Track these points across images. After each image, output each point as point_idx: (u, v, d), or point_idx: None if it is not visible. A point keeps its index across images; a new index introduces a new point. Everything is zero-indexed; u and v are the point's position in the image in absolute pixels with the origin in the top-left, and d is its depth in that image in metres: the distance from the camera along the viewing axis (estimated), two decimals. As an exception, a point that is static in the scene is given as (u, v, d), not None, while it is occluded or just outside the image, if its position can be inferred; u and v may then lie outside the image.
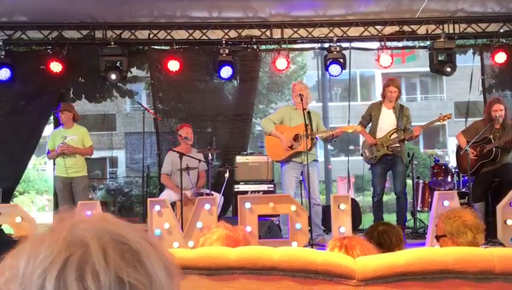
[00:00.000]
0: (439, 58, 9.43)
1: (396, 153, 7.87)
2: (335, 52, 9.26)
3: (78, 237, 0.85)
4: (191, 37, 9.41)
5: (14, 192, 10.56)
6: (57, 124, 8.79)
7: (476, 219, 3.30)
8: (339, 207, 6.17)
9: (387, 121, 7.96)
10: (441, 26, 9.35)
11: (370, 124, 8.15)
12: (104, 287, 0.81)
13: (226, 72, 9.20)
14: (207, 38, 9.41)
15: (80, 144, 8.18)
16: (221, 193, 7.84)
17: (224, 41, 9.24)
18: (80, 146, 8.17)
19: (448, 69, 9.37)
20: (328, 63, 9.33)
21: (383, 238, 3.32)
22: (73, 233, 0.86)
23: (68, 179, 8.08)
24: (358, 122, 8.21)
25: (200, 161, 7.98)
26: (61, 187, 8.15)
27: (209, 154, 8.16)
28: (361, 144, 8.44)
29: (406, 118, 7.99)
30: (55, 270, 0.81)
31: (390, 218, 8.21)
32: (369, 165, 8.16)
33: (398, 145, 7.86)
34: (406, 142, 8.11)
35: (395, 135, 7.86)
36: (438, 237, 3.39)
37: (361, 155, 8.27)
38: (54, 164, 8.45)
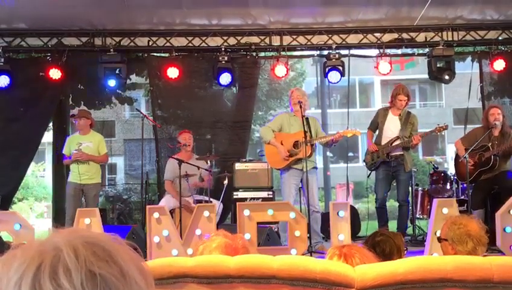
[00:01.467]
0: (438, 66, 9.44)
1: (399, 160, 7.85)
2: (334, 60, 9.27)
3: (51, 245, 0.88)
4: (190, 44, 9.43)
5: (13, 199, 10.54)
6: (60, 130, 8.78)
7: (481, 231, 3.28)
8: (338, 214, 6.17)
9: (392, 127, 7.95)
10: (439, 34, 9.36)
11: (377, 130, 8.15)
12: (76, 281, 0.83)
13: (225, 79, 9.21)
14: (206, 45, 9.43)
15: (96, 151, 8.20)
16: (220, 200, 7.84)
17: (223, 49, 9.25)
18: (95, 153, 8.19)
19: (447, 77, 9.37)
20: (327, 70, 9.34)
21: (376, 251, 3.30)
22: (45, 244, 0.89)
23: (80, 186, 8.07)
24: (367, 128, 8.25)
25: (199, 167, 7.97)
26: (73, 193, 8.12)
27: (208, 161, 8.15)
28: (365, 150, 8.45)
29: (411, 126, 7.96)
30: (30, 275, 0.84)
31: (390, 225, 8.22)
32: (369, 171, 8.17)
33: (401, 153, 7.84)
34: (411, 149, 8.06)
35: (396, 143, 7.85)
36: (440, 239, 3.39)
37: (364, 161, 8.30)
38: (69, 170, 8.45)
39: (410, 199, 8.42)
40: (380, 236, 3.42)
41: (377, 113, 8.26)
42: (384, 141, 7.94)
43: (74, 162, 8.06)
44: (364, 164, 8.29)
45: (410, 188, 8.37)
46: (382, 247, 3.31)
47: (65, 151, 8.31)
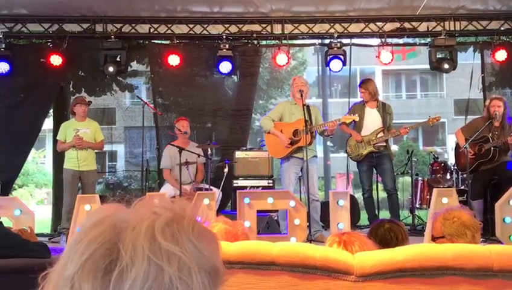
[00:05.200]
0: (438, 56, 9.42)
1: (382, 151, 7.90)
2: (335, 48, 9.24)
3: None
4: (191, 32, 9.40)
5: (13, 185, 10.55)
6: (60, 117, 8.77)
7: (473, 217, 3.29)
8: (337, 203, 6.18)
9: (372, 119, 7.99)
10: (441, 23, 9.33)
11: (353, 124, 8.10)
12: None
13: (225, 67, 9.19)
14: (207, 33, 9.40)
15: (92, 137, 8.21)
16: (220, 188, 7.85)
17: (224, 36, 9.23)
18: (92, 140, 8.21)
19: (446, 66, 9.34)
20: (328, 58, 9.31)
21: (389, 236, 3.31)
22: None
23: (78, 173, 8.07)
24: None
25: (199, 155, 7.98)
26: (70, 180, 8.10)
27: (209, 149, 8.16)
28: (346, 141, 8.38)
29: (389, 116, 8.05)
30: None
31: (384, 215, 8.25)
32: (355, 163, 8.17)
33: (384, 144, 7.91)
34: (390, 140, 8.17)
35: (381, 134, 7.88)
36: (434, 239, 3.36)
37: (346, 152, 8.26)
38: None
39: (410, 188, 8.44)
40: (388, 224, 3.42)
41: (352, 109, 8.16)
42: (365, 133, 7.94)
43: (72, 147, 8.04)
44: (347, 155, 8.23)
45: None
46: (396, 234, 3.33)
47: (60, 137, 8.26)
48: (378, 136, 7.88)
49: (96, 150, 8.40)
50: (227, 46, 9.15)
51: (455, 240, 3.16)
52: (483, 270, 2.18)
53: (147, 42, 9.70)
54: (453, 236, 3.19)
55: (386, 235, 3.30)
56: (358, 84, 8.40)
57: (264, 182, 8.53)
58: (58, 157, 9.60)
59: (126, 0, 8.61)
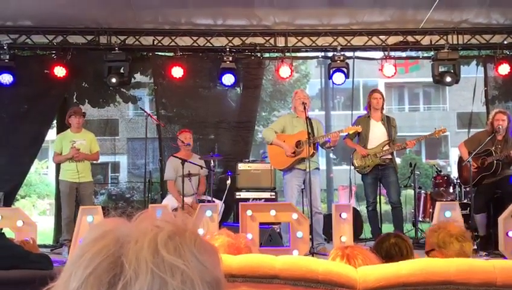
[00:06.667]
0: (442, 69, 9.44)
1: (388, 163, 7.90)
2: (339, 61, 9.25)
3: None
4: (195, 44, 9.43)
5: (16, 196, 10.55)
6: (64, 128, 8.79)
7: (461, 228, 3.28)
8: (340, 216, 6.17)
9: (377, 132, 8.00)
10: (444, 37, 9.35)
11: (357, 137, 8.12)
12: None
13: (228, 79, 9.21)
14: (211, 45, 9.43)
15: (88, 149, 8.22)
16: (222, 200, 7.84)
17: (228, 49, 9.26)
18: (88, 151, 8.22)
19: (449, 79, 9.35)
20: (331, 71, 9.33)
21: (394, 250, 3.28)
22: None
23: (76, 184, 8.08)
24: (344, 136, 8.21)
25: (201, 167, 7.98)
26: (68, 191, 8.10)
27: (211, 161, 8.16)
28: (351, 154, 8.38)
29: (394, 128, 8.08)
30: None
31: (386, 228, 8.23)
32: (361, 175, 8.17)
33: (389, 157, 7.91)
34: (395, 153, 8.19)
35: (387, 147, 7.88)
36: (427, 253, 3.35)
37: (352, 165, 8.24)
38: (57, 166, 8.40)
39: (413, 201, 8.42)
40: (393, 238, 3.38)
41: (357, 122, 8.16)
42: (370, 146, 7.95)
43: (70, 159, 8.05)
44: (353, 168, 8.21)
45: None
46: (401, 249, 3.28)
47: (56, 148, 8.27)
48: (384, 149, 7.88)
49: (91, 161, 8.40)
50: (230, 58, 9.18)
51: (444, 251, 3.14)
52: (487, 285, 2.17)
53: (150, 54, 9.73)
54: (441, 247, 3.17)
55: (391, 250, 3.26)
56: (369, 91, 8.43)
57: (267, 194, 8.52)
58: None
59: (130, 12, 8.64)
